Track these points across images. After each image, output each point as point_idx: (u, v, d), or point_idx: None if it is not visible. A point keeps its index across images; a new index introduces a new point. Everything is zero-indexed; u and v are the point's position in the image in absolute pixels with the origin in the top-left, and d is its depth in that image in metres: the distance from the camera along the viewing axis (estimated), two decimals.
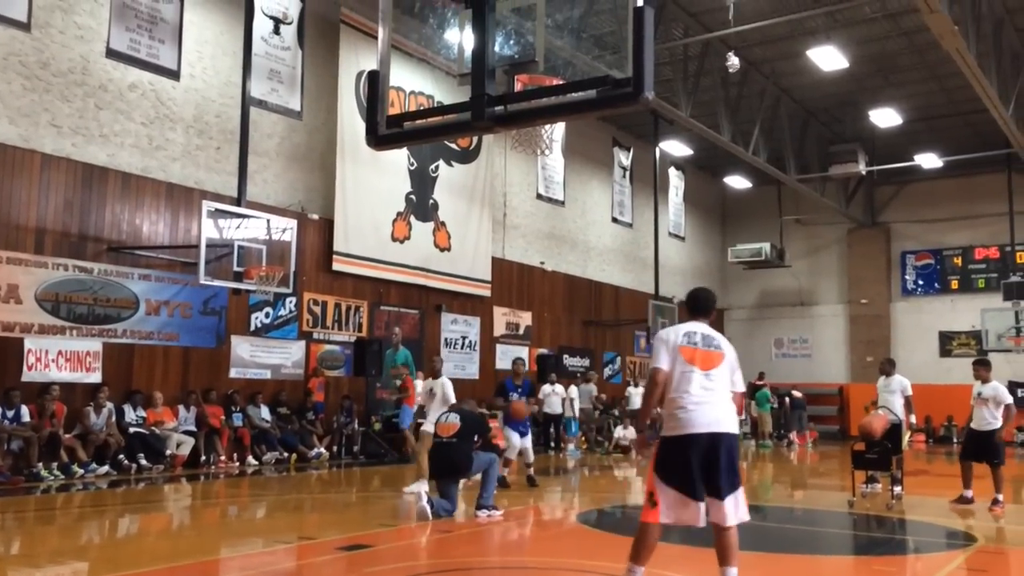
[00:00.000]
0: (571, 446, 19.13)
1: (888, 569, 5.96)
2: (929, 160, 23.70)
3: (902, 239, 27.63)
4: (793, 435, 23.41)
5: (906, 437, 11.26)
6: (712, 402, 4.93)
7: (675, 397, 4.94)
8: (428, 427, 10.19)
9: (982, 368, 10.38)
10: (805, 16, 16.85)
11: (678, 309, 22.67)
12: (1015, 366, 24.12)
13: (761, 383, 24.72)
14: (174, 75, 13.79)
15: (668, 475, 4.81)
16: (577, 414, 19.77)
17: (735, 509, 4.82)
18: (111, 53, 12.95)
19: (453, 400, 10.70)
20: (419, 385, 11.24)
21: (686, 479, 4.75)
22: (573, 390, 19.68)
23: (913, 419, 11.65)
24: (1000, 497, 9.84)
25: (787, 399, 24.04)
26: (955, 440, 23.61)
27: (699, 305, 5.39)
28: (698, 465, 4.75)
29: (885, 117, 21.12)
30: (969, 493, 9.96)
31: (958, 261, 26.77)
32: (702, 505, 4.76)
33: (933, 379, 24.05)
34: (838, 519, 9.66)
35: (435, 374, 11.03)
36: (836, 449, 21.15)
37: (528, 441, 11.47)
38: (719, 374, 5.05)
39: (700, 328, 5.23)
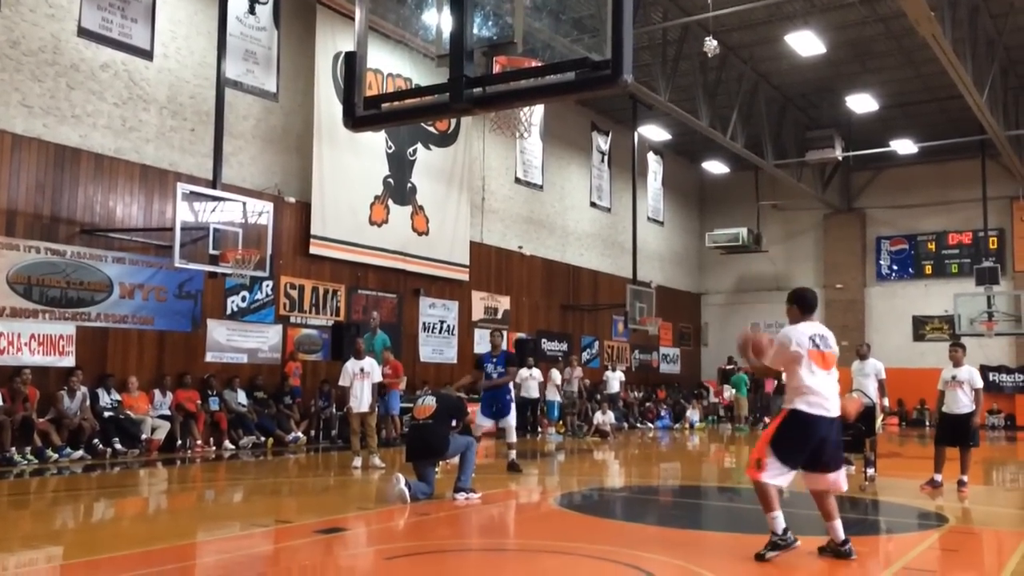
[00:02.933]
0: (551, 430, 19.20)
1: (861, 549, 6.03)
2: (904, 146, 23.89)
3: (877, 224, 27.87)
4: (772, 418, 23.61)
5: (879, 420, 11.39)
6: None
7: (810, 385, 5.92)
8: (354, 406, 11.48)
9: (959, 351, 10.44)
10: (783, 1, 16.89)
11: (655, 293, 22.80)
12: (987, 350, 24.48)
13: (730, 367, 24.94)
14: (147, 55, 13.60)
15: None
16: (562, 398, 19.85)
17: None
18: (83, 32, 12.75)
19: (378, 379, 11.86)
20: (348, 367, 11.57)
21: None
22: (555, 374, 19.74)
23: (886, 402, 11.77)
24: (965, 479, 9.97)
25: (775, 380, 24.13)
26: (927, 423, 23.94)
27: (810, 304, 6.20)
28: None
29: (861, 103, 21.26)
30: (939, 477, 10.07)
31: (932, 246, 27.05)
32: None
33: (906, 363, 24.35)
34: (812, 500, 9.74)
35: (360, 355, 11.83)
36: None
37: (510, 421, 11.17)
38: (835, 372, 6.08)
39: (818, 329, 6.09)
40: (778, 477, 5.91)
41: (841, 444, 6.24)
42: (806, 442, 5.89)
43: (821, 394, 5.91)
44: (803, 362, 5.89)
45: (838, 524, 6.02)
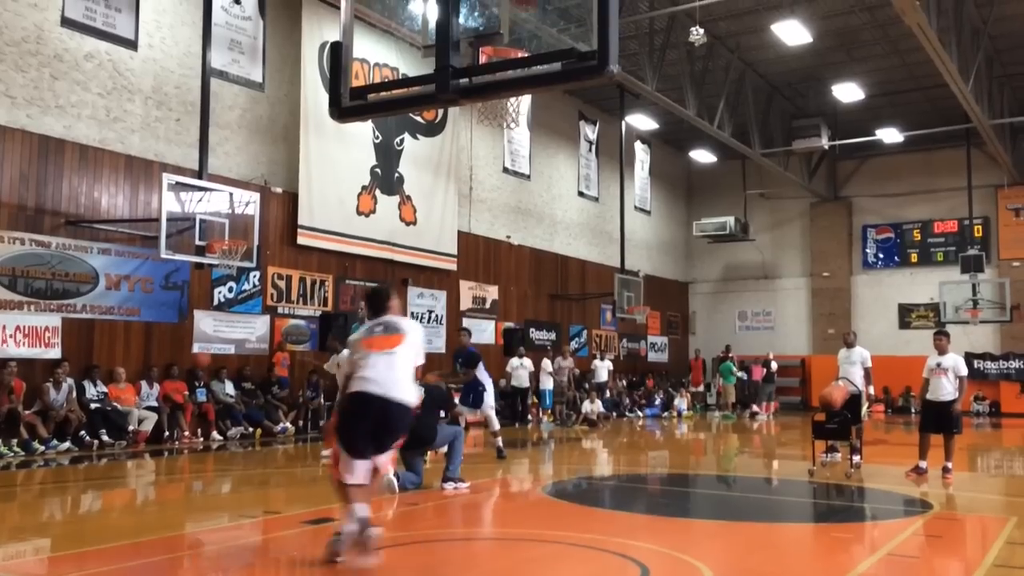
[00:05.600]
0: (545, 419, 19.26)
1: (846, 536, 6.10)
2: (890, 135, 23.97)
3: (863, 213, 27.99)
4: (759, 406, 23.68)
5: (865, 408, 11.47)
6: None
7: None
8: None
9: (944, 339, 10.51)
10: None
11: (643, 282, 22.85)
12: (972, 338, 24.67)
13: (727, 356, 25.07)
14: (132, 45, 13.49)
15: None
16: (553, 387, 19.89)
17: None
18: (66, 22, 12.64)
19: None
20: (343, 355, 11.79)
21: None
22: (547, 363, 19.77)
23: (872, 390, 11.85)
24: (950, 465, 10.07)
25: (764, 368, 24.22)
26: (913, 411, 24.10)
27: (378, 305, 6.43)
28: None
29: (847, 92, 21.30)
30: (924, 464, 10.16)
31: (917, 235, 27.19)
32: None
33: (892, 351, 24.50)
34: (798, 488, 9.84)
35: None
36: (797, 420, 21.50)
37: (487, 410, 11.83)
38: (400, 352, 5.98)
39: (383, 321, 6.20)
40: None
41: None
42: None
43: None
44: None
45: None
